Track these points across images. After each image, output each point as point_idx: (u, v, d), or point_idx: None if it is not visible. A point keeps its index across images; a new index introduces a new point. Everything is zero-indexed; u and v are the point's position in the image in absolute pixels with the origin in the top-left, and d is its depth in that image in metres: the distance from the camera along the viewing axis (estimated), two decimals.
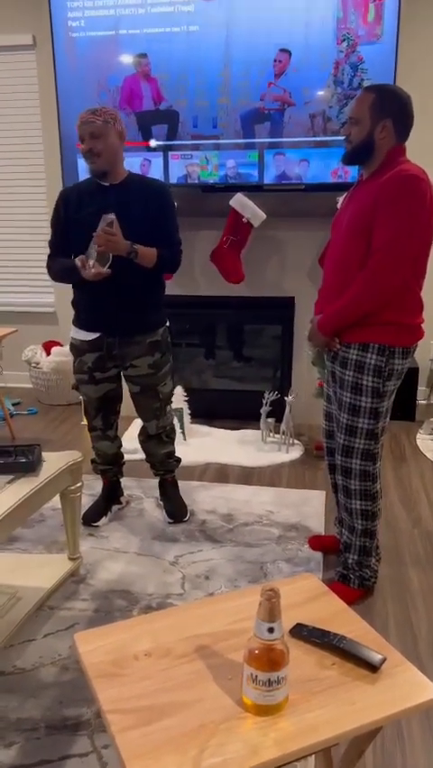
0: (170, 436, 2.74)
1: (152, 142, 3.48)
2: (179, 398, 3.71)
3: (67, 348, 4.31)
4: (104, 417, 2.65)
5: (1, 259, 4.51)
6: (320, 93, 3.27)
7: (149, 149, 3.49)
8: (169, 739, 0.90)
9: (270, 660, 0.93)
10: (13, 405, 4.24)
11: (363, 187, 2.05)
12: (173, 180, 3.52)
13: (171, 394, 2.70)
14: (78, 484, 2.34)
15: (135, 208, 2.33)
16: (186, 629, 1.13)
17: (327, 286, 2.18)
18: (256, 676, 0.94)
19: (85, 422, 3.91)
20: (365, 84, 3.18)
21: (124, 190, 2.36)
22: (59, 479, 2.24)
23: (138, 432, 2.78)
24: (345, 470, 2.18)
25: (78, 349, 2.55)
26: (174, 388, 2.70)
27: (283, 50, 3.24)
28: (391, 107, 1.95)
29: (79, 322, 2.53)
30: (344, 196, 3.25)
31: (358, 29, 3.14)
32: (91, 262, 2.25)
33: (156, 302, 2.52)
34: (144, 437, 2.72)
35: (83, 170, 3.59)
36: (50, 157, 4.15)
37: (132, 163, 3.53)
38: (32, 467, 2.16)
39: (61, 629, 2.11)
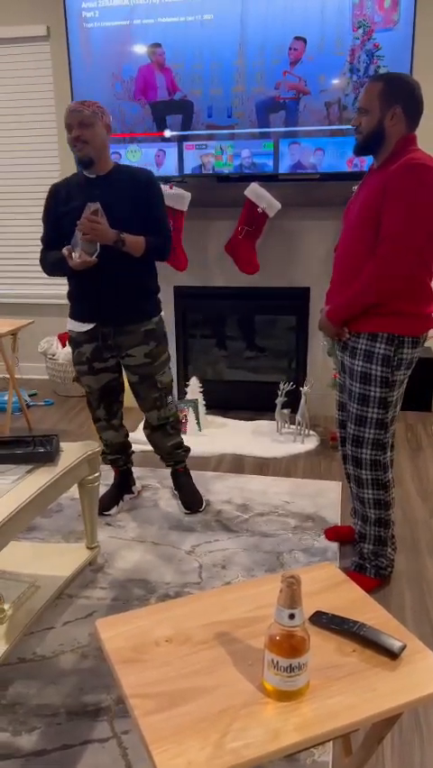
0: (175, 427, 2.75)
1: (167, 133, 3.47)
2: (194, 389, 3.72)
3: None
4: (106, 407, 2.66)
5: (16, 251, 4.53)
6: (336, 81, 3.24)
7: (163, 139, 3.48)
8: (191, 723, 0.92)
9: (291, 646, 0.94)
10: (30, 396, 4.27)
11: (373, 175, 2.04)
12: (188, 171, 3.51)
13: (171, 384, 2.69)
14: (96, 474, 2.35)
15: (122, 198, 2.33)
16: (205, 616, 1.14)
17: (338, 275, 2.18)
18: (277, 662, 0.94)
19: None
20: (381, 71, 3.15)
21: (110, 181, 2.37)
22: (78, 469, 2.25)
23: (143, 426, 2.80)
24: (355, 460, 2.18)
25: (75, 341, 2.56)
26: (172, 378, 2.71)
27: (298, 38, 3.22)
28: (401, 93, 1.93)
29: (74, 313, 2.54)
30: (358, 184, 3.24)
31: (374, 15, 3.11)
32: (76, 251, 2.26)
33: (149, 291, 2.53)
34: (149, 429, 2.73)
35: None
36: (64, 148, 4.15)
37: (147, 154, 3.54)
38: (50, 457, 2.18)
39: (80, 617, 2.13)
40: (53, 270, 2.47)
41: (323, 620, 1.14)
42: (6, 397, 3.85)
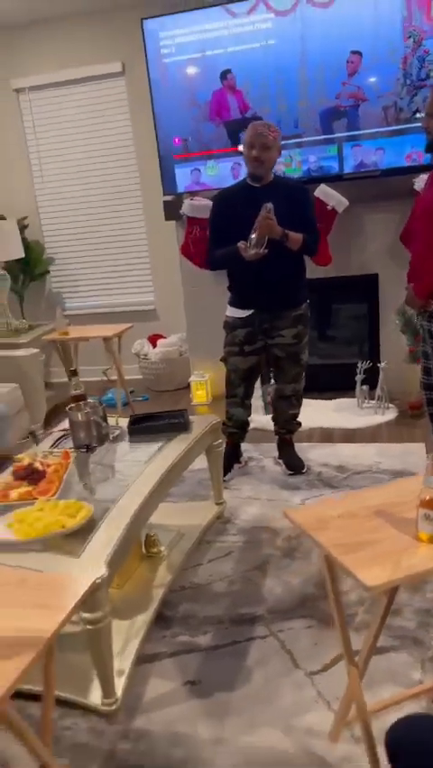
0: (299, 400, 3.18)
1: (241, 148, 3.90)
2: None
3: (171, 339, 4.81)
4: (246, 387, 3.11)
5: (107, 265, 5.02)
6: (391, 86, 3.62)
7: (238, 153, 3.91)
8: (372, 557, 1.31)
9: None
10: (129, 392, 4.74)
11: None
12: None
13: (307, 361, 3.12)
14: (220, 441, 2.79)
15: (281, 204, 2.74)
16: (363, 502, 1.54)
17: (417, 257, 2.57)
18: (429, 515, 1.33)
19: (195, 401, 4.39)
20: None
21: (272, 190, 2.81)
22: (206, 436, 2.69)
23: (272, 394, 3.25)
24: None
25: (231, 325, 3.01)
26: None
27: (355, 52, 3.61)
28: None
29: (235, 301, 2.99)
30: (420, 177, 3.61)
31: (423, 25, 3.47)
32: (251, 244, 2.69)
33: (300, 281, 2.97)
34: (276, 397, 3.16)
35: (180, 178, 4.06)
36: (144, 169, 4.63)
37: (223, 168, 3.98)
38: (186, 427, 2.62)
39: (220, 556, 2.55)
40: (222, 264, 2.95)
41: None
42: (112, 394, 4.34)
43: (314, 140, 3.81)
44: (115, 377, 4.22)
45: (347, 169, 3.83)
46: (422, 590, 2.19)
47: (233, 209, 2.83)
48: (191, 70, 3.88)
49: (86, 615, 1.63)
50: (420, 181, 3.54)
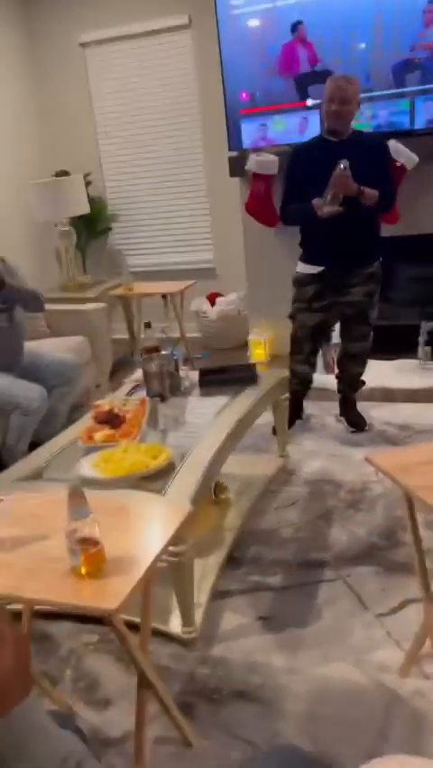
0: (365, 359, 3.19)
1: (309, 102, 3.85)
2: (338, 334, 4.12)
3: (229, 297, 4.84)
4: (313, 344, 3.12)
5: (167, 222, 5.05)
6: None
7: (306, 108, 3.86)
8: None
9: None
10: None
11: None
12: None
13: (375, 320, 3.10)
14: (286, 395, 2.85)
15: (359, 159, 2.71)
16: None
17: None
18: None
19: (253, 360, 4.44)
20: None
21: (349, 145, 2.80)
22: (274, 390, 2.75)
23: (339, 353, 3.27)
24: None
25: (301, 282, 3.01)
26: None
27: (432, 2, 3.49)
28: None
29: (307, 258, 2.99)
30: None
31: None
32: (327, 201, 2.69)
33: (374, 239, 2.95)
34: (343, 356, 3.19)
35: (246, 133, 4.04)
36: (208, 125, 4.61)
37: (291, 123, 3.94)
38: (254, 380, 2.69)
39: (286, 505, 2.64)
40: (295, 219, 2.96)
41: None
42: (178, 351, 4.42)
43: (385, 93, 3.73)
44: (174, 334, 4.30)
45: (419, 125, 3.74)
46: None
47: (309, 164, 2.82)
48: (261, 22, 3.82)
49: (172, 548, 1.74)
50: None
